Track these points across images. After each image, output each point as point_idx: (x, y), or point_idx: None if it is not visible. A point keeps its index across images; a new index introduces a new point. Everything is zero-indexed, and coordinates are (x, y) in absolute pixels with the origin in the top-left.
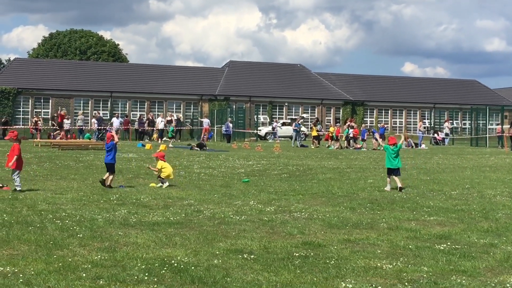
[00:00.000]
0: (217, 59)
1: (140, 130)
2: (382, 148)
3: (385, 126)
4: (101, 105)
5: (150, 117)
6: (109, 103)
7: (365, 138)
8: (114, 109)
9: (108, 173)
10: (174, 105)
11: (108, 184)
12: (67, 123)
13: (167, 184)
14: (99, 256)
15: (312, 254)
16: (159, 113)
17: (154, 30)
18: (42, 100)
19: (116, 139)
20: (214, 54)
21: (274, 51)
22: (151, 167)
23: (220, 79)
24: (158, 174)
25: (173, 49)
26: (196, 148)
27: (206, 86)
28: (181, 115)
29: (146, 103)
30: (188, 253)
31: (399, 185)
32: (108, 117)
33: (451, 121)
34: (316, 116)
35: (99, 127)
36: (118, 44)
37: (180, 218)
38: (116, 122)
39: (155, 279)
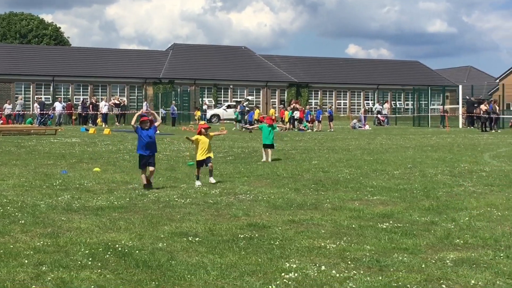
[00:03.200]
0: (161, 42)
1: (83, 114)
2: (331, 130)
3: (328, 108)
4: (43, 89)
5: (94, 101)
6: (51, 87)
7: (309, 120)
8: (57, 93)
9: (146, 169)
10: (118, 88)
11: (146, 182)
12: (8, 108)
13: (212, 180)
14: (41, 242)
15: (257, 235)
16: (102, 97)
17: (98, 13)
18: None
19: (158, 121)
20: (158, 37)
21: (219, 34)
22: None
23: (164, 62)
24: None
25: (117, 32)
26: None
27: (150, 70)
28: (125, 99)
29: (89, 87)
30: (132, 237)
31: (269, 158)
32: (51, 102)
33: (393, 102)
34: (260, 98)
35: (42, 112)
36: (60, 28)
37: (124, 202)
38: (58, 106)
39: (99, 264)
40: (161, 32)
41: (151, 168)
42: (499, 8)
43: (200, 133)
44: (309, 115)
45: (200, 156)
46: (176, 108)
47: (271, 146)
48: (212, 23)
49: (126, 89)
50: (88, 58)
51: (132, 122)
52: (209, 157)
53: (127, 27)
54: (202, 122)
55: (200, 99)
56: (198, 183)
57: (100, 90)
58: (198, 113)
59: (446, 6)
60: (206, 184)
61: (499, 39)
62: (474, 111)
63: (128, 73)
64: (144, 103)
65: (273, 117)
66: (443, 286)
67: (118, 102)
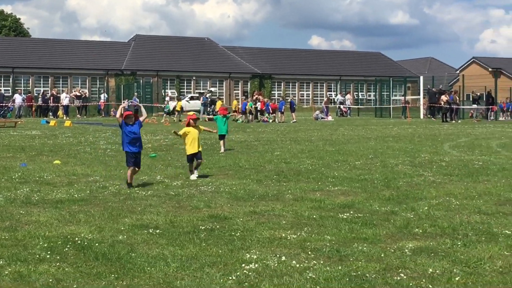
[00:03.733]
0: (124, 33)
1: (44, 106)
2: (293, 121)
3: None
4: (2, 81)
5: (54, 93)
6: (10, 79)
7: (270, 111)
8: (17, 85)
9: (133, 168)
10: (79, 80)
11: (130, 181)
12: None
13: (195, 174)
14: None
15: (218, 227)
16: (63, 89)
17: (58, 4)
18: None
19: (143, 115)
20: (121, 28)
21: (182, 25)
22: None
23: (126, 53)
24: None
25: (79, 24)
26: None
27: (112, 61)
28: (86, 91)
29: (49, 79)
30: (92, 229)
31: (223, 148)
32: (10, 94)
33: (356, 93)
34: (223, 89)
35: (1, 104)
36: (20, 19)
37: (84, 195)
38: (18, 98)
39: (58, 257)
40: (124, 23)
41: (135, 169)
42: (460, 0)
43: (188, 125)
44: (269, 107)
45: (190, 150)
46: (138, 100)
47: (224, 136)
48: (175, 14)
49: (87, 80)
50: (49, 49)
51: (117, 115)
52: (200, 151)
53: (89, 18)
54: (190, 113)
55: (162, 91)
56: (193, 176)
57: (61, 82)
58: (180, 104)
59: None
60: (167, 176)
61: (459, 30)
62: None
63: (89, 65)
64: (103, 95)
65: (226, 108)
66: (401, 275)
67: (79, 94)
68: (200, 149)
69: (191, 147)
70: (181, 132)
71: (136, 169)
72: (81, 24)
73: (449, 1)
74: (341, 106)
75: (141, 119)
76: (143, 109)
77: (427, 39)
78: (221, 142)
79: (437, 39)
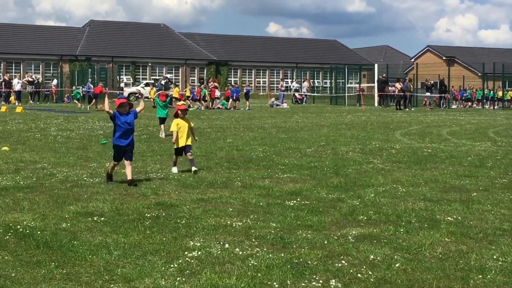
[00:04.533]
0: (80, 19)
1: None
2: (247, 109)
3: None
4: None
5: (6, 78)
6: None
7: (233, 97)
8: None
9: (125, 161)
10: (33, 66)
11: (130, 177)
12: None
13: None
14: None
15: (163, 214)
16: (16, 74)
17: None
18: None
19: (140, 105)
20: (77, 13)
21: (139, 11)
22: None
23: (81, 39)
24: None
25: (33, 8)
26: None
27: (66, 46)
28: (39, 76)
29: (1, 64)
30: (35, 217)
31: (163, 134)
32: None
33: (312, 80)
34: (179, 76)
35: None
36: None
37: (31, 182)
38: None
39: None
40: (79, 8)
41: (127, 163)
42: None
43: (176, 116)
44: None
45: (180, 142)
46: (92, 86)
47: (164, 120)
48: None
49: (41, 66)
50: (1, 34)
51: (106, 108)
52: (189, 145)
53: (44, 2)
54: (180, 103)
55: (117, 77)
56: (175, 169)
57: (13, 67)
58: (177, 90)
59: None
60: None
61: (415, 19)
62: (385, 89)
63: (43, 50)
64: (54, 81)
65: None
66: (343, 261)
67: (32, 80)
68: (190, 142)
69: (181, 139)
70: (172, 129)
71: (127, 163)
72: (35, 9)
73: None
74: (296, 94)
75: (137, 109)
76: (142, 101)
77: (383, 27)
78: (161, 126)
79: (393, 28)
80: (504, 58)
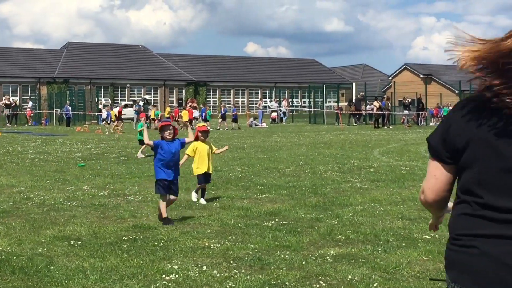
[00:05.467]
0: (58, 41)
1: None
2: (226, 128)
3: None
4: None
5: None
6: None
7: (202, 118)
8: None
9: (167, 196)
10: (10, 88)
11: (164, 215)
12: None
13: (197, 198)
14: None
15: (141, 237)
16: None
17: None
18: None
19: (189, 136)
20: (54, 35)
21: (118, 32)
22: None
23: (59, 61)
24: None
25: (10, 30)
26: None
27: (44, 69)
28: (17, 99)
29: None
30: (11, 242)
31: (141, 153)
32: None
33: (291, 100)
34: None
35: None
36: None
37: (7, 207)
38: None
39: None
40: (57, 31)
41: (172, 198)
42: (392, 8)
43: (197, 139)
44: (203, 113)
45: (200, 168)
46: (70, 108)
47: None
48: (110, 21)
49: (18, 89)
50: None
51: (146, 140)
52: (210, 173)
53: (22, 25)
54: (200, 124)
55: (96, 99)
56: (194, 195)
57: None
58: (168, 110)
59: (343, 5)
60: (95, 186)
61: (392, 37)
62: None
63: (20, 73)
64: (29, 103)
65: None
66: (321, 282)
67: (9, 103)
68: (211, 170)
69: (200, 166)
70: (189, 152)
71: (172, 198)
72: (13, 31)
73: (382, 9)
74: (273, 113)
75: (186, 139)
76: (190, 131)
77: (361, 46)
78: (143, 147)
79: (371, 46)
80: None
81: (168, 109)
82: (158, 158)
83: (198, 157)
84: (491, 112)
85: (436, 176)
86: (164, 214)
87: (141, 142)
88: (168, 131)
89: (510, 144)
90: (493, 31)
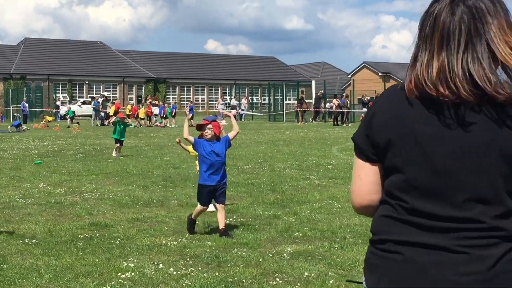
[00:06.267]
0: (15, 37)
1: None
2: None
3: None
4: None
5: None
6: None
7: (161, 115)
8: None
9: (217, 204)
10: None
11: (223, 226)
12: None
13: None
14: None
15: (97, 235)
16: None
17: None
18: None
19: (234, 128)
20: (12, 31)
21: (77, 29)
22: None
23: (15, 57)
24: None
25: None
26: None
27: (0, 65)
28: None
29: None
30: None
31: (118, 153)
32: None
33: (251, 97)
34: (113, 94)
35: None
36: None
37: None
38: None
39: None
40: (14, 26)
41: (220, 206)
42: (352, 6)
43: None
44: (162, 111)
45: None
46: (27, 105)
47: (122, 142)
48: (69, 17)
49: None
50: None
51: (185, 134)
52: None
53: None
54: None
55: (54, 95)
56: (211, 208)
57: None
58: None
59: (303, 3)
60: (51, 183)
61: (352, 36)
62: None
63: None
64: None
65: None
66: (278, 279)
67: None
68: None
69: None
70: (190, 148)
71: (220, 207)
72: None
73: (342, 7)
74: (233, 111)
75: (230, 135)
76: (234, 122)
77: (321, 44)
78: (117, 145)
79: (331, 44)
80: None
81: (129, 106)
82: (200, 160)
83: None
84: (419, 104)
85: (360, 177)
86: (194, 216)
87: (117, 140)
88: (207, 131)
89: (438, 142)
90: None
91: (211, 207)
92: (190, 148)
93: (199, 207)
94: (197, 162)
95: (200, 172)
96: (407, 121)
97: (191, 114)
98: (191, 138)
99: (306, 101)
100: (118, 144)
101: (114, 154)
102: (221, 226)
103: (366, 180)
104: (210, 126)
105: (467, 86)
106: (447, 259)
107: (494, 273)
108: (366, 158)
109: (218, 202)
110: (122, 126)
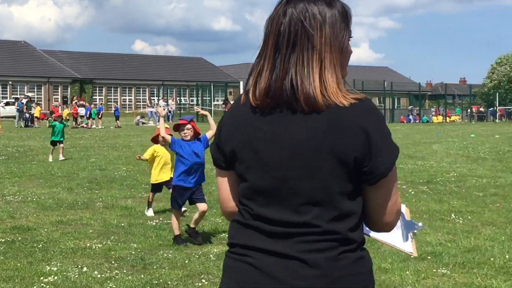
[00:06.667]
0: None
1: None
2: (100, 127)
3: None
4: None
5: None
6: None
7: (87, 116)
8: None
9: (198, 204)
10: None
11: (178, 232)
12: None
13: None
14: None
15: (20, 238)
16: None
17: None
18: None
19: (211, 127)
20: None
21: (0, 28)
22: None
23: None
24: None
25: None
26: None
27: None
28: None
29: None
30: None
31: (62, 155)
32: None
33: (178, 98)
34: (41, 95)
35: None
36: None
37: None
38: None
39: None
40: None
41: (202, 206)
42: None
43: (156, 141)
44: (88, 112)
45: (161, 176)
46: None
47: (61, 142)
48: None
49: None
50: None
51: (162, 132)
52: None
53: None
54: (166, 125)
55: None
56: (150, 212)
57: None
58: (38, 109)
59: (231, 4)
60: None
61: None
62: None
63: None
64: None
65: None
66: (203, 280)
67: None
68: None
69: (162, 173)
70: (147, 155)
71: (201, 207)
72: None
73: (269, 8)
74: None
75: (208, 134)
76: (210, 119)
77: (249, 45)
78: (57, 147)
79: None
80: (364, 75)
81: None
82: (178, 161)
83: (161, 164)
84: (257, 112)
85: (219, 185)
86: (176, 232)
87: (53, 143)
88: (185, 131)
89: (273, 148)
90: (377, 32)
91: (150, 212)
92: (148, 157)
93: (173, 217)
94: (152, 171)
95: (175, 173)
96: (247, 129)
97: (165, 111)
98: (168, 138)
99: (231, 102)
100: (59, 145)
101: (50, 159)
102: (177, 232)
103: (223, 187)
104: (189, 126)
105: (292, 93)
106: (288, 264)
107: (332, 277)
108: (219, 167)
109: (199, 201)
110: (62, 126)
